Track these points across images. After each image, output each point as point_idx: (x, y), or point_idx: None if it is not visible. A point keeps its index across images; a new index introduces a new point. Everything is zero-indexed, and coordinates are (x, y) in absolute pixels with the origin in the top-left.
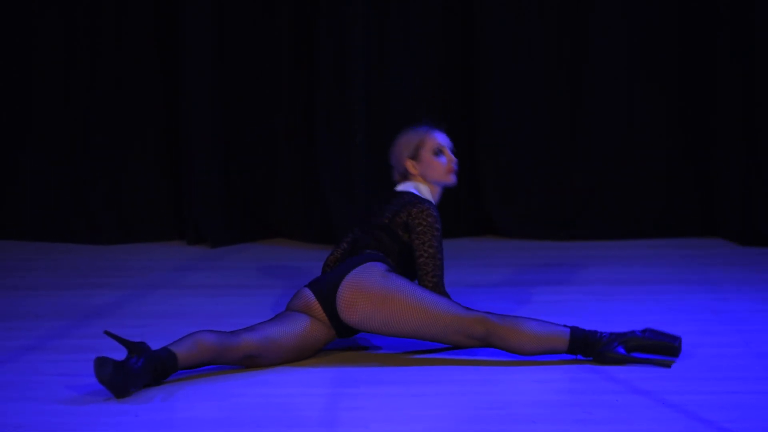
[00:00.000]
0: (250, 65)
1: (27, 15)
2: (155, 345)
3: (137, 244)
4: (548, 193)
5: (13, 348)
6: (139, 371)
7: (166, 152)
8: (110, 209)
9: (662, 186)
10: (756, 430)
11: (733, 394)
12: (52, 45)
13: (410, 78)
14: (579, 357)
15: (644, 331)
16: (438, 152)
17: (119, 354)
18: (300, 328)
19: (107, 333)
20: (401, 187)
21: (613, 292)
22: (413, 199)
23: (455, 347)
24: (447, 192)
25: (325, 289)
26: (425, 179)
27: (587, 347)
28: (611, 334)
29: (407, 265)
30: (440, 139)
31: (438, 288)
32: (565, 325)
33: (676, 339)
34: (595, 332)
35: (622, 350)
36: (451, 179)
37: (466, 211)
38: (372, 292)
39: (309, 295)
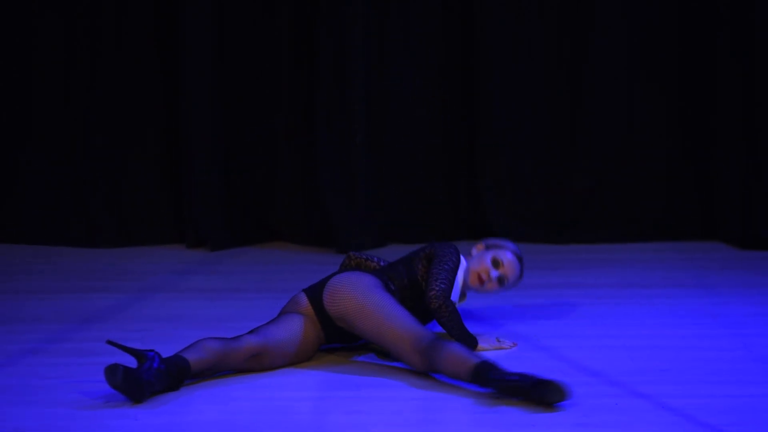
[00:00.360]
0: (250, 65)
1: (27, 15)
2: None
3: (137, 247)
4: (548, 194)
5: (13, 351)
6: (152, 377)
7: (166, 152)
8: (110, 211)
9: (662, 187)
10: None
11: (733, 398)
12: (52, 45)
13: (410, 78)
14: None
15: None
16: (495, 263)
17: (122, 357)
18: (297, 327)
19: (110, 342)
20: None
21: (612, 296)
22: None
23: (409, 365)
24: (446, 194)
25: (317, 287)
26: (470, 264)
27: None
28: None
29: (412, 299)
30: (506, 262)
31: (444, 294)
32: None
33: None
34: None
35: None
36: (474, 281)
37: (464, 214)
38: (355, 288)
39: (302, 296)
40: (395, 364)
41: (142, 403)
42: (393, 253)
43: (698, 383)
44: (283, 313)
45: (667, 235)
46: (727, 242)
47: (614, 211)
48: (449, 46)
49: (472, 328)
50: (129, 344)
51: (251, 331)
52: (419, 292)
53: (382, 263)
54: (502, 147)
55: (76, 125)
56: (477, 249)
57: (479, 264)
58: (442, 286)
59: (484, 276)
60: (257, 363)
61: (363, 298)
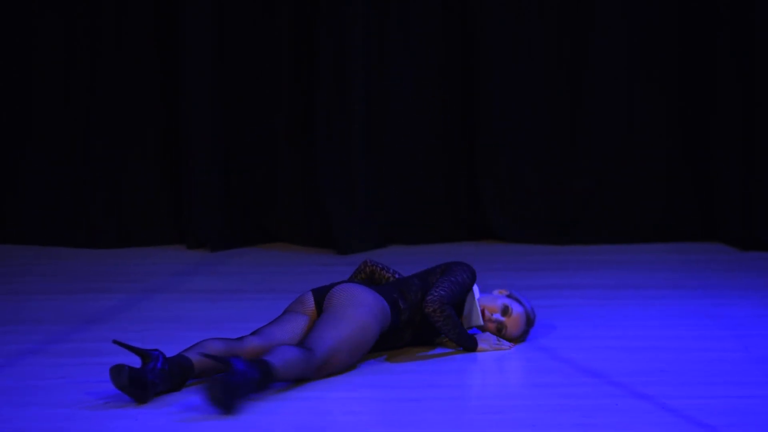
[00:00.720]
0: (250, 65)
1: (27, 15)
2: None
3: (137, 248)
4: (548, 194)
5: (13, 352)
6: (156, 378)
7: (166, 153)
8: (110, 211)
9: (662, 187)
10: None
11: (732, 399)
12: (52, 45)
13: (410, 78)
14: None
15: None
16: (505, 310)
17: (122, 358)
18: (300, 329)
19: (116, 342)
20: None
21: (612, 297)
22: None
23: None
24: (446, 194)
25: (325, 290)
26: (483, 299)
27: None
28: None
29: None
30: (515, 315)
31: (440, 300)
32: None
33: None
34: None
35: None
36: (480, 320)
37: (464, 215)
38: (352, 300)
39: (309, 297)
40: (396, 363)
41: (146, 404)
42: (393, 253)
43: (698, 384)
44: (288, 311)
45: (667, 236)
46: (727, 243)
47: (614, 211)
48: (449, 46)
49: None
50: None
51: (254, 333)
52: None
53: (396, 275)
54: (502, 147)
55: (76, 125)
56: (498, 291)
57: (490, 302)
58: (442, 292)
59: (487, 314)
60: None
61: (349, 311)
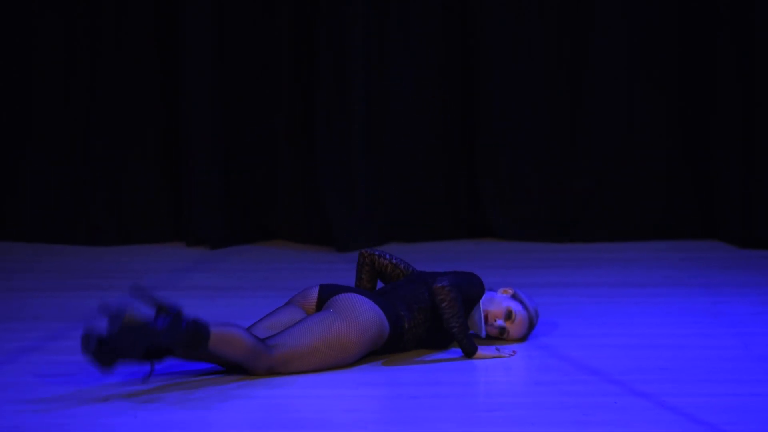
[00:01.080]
0: (250, 65)
1: (27, 15)
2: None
3: (136, 245)
4: (548, 194)
5: (12, 349)
6: (164, 327)
7: (166, 152)
8: (110, 210)
9: (662, 186)
10: None
11: (732, 397)
12: (52, 45)
13: (410, 78)
14: None
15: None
16: (508, 314)
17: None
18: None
19: (136, 289)
20: None
21: (612, 295)
22: None
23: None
24: (446, 194)
25: (333, 289)
26: (486, 302)
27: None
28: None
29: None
30: (518, 319)
31: (450, 283)
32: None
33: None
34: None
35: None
36: (483, 333)
37: (465, 214)
38: (351, 315)
39: (314, 291)
40: (395, 361)
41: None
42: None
43: (698, 382)
44: (290, 303)
45: (667, 234)
46: (727, 241)
47: (614, 210)
48: (449, 46)
49: None
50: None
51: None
52: (439, 323)
53: (394, 260)
54: (502, 147)
55: (76, 125)
56: (503, 291)
57: (494, 306)
58: (453, 280)
59: (490, 318)
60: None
61: (338, 324)
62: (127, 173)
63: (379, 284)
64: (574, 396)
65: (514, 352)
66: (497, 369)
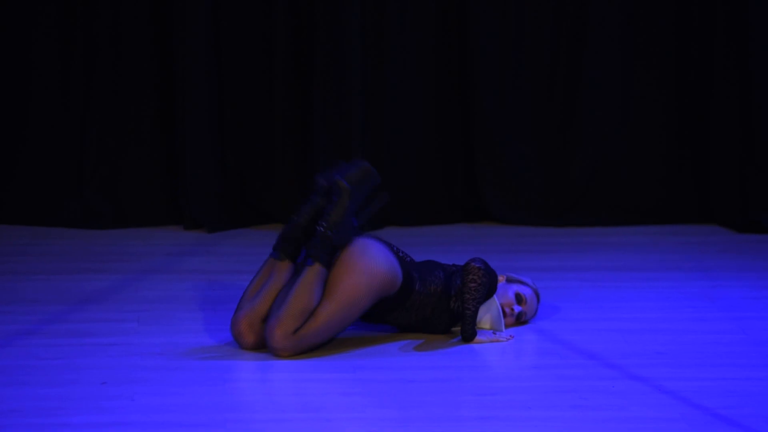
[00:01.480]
0: (250, 65)
1: (27, 15)
2: (151, 331)
3: (133, 228)
4: (545, 179)
5: (8, 332)
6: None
7: (163, 136)
8: (106, 193)
9: (660, 171)
10: (752, 416)
11: (730, 381)
12: (49, 28)
13: (408, 63)
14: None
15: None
16: (519, 298)
17: (110, 339)
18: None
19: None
20: None
21: (609, 279)
22: None
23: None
24: (443, 178)
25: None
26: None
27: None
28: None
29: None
30: (528, 298)
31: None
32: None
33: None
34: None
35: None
36: (503, 326)
37: (462, 199)
38: (362, 255)
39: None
40: (393, 345)
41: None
42: (390, 235)
43: (695, 366)
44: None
45: (664, 219)
46: (725, 226)
47: (611, 195)
48: (447, 32)
49: None
50: (125, 326)
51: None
52: (445, 306)
53: (394, 248)
54: (499, 131)
55: (73, 109)
56: (498, 279)
57: (503, 297)
58: (486, 266)
59: (507, 309)
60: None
61: (352, 276)
62: (125, 157)
63: None
64: (571, 380)
65: (511, 336)
66: (495, 353)
